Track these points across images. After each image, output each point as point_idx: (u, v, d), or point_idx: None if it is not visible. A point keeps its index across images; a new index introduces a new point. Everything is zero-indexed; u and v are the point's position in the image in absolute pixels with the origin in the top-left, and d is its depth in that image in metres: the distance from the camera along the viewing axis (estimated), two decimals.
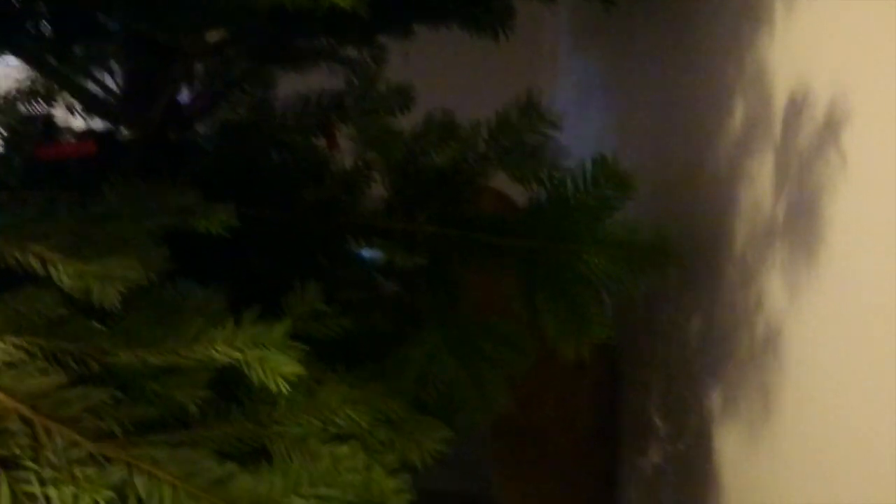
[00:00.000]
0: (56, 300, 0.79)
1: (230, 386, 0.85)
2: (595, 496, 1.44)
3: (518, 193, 1.00)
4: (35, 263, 0.78)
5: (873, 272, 0.70)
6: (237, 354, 0.79)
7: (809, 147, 0.77)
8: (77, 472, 0.69)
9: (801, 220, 0.79)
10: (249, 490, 0.72)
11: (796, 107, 0.80)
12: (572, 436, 1.39)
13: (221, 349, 0.79)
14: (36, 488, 0.66)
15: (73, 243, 0.81)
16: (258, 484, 0.73)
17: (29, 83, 1.20)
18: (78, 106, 1.18)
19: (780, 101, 0.83)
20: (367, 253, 1.07)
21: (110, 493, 0.68)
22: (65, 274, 0.78)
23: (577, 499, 1.43)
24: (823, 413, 0.78)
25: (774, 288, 0.83)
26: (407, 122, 1.07)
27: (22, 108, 1.19)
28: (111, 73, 1.13)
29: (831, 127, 0.74)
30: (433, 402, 0.98)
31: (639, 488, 1.31)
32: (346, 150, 1.05)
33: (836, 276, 0.75)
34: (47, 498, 0.68)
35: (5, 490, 0.66)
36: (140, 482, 0.69)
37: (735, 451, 0.95)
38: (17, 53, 1.04)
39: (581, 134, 1.41)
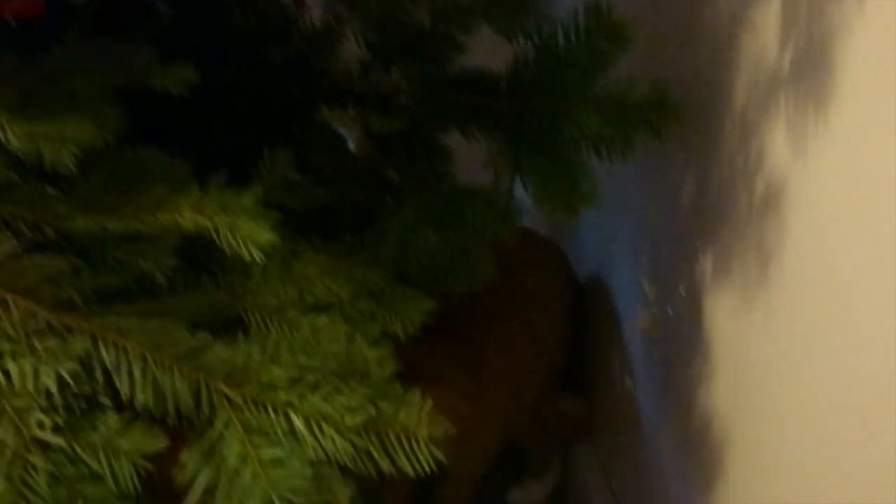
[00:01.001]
0: (5, 164, 0.73)
1: (200, 257, 0.81)
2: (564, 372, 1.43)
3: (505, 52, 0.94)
4: None
5: (886, 118, 0.66)
6: (205, 221, 0.74)
7: None
8: (37, 344, 0.65)
9: (810, 69, 0.75)
10: (225, 360, 0.69)
11: None
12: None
13: (188, 215, 0.74)
14: None
15: (21, 103, 0.75)
16: (234, 354, 0.70)
17: None
18: None
19: None
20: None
21: (73, 365, 0.64)
22: (13, 135, 0.72)
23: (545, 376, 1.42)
24: (825, 271, 0.75)
25: (778, 143, 0.79)
26: None
27: None
28: None
29: None
30: (415, 274, 0.95)
31: (624, 356, 1.30)
32: (314, 4, 0.98)
33: (847, 125, 0.71)
34: (6, 372, 0.64)
35: None
36: (105, 353, 0.65)
37: (728, 316, 0.93)
38: None
39: None
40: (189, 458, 0.67)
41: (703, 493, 1.02)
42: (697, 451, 1.03)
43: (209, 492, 0.66)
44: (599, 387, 1.45)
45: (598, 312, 1.43)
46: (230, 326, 0.75)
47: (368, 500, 0.75)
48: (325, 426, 0.70)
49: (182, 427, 0.68)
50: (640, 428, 1.24)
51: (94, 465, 0.64)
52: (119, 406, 0.66)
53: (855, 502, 0.74)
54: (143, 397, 0.65)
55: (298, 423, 0.69)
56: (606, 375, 1.39)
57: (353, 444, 0.71)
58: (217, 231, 0.74)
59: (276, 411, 0.69)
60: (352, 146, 1.06)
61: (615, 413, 1.36)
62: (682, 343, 1.05)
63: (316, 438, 0.69)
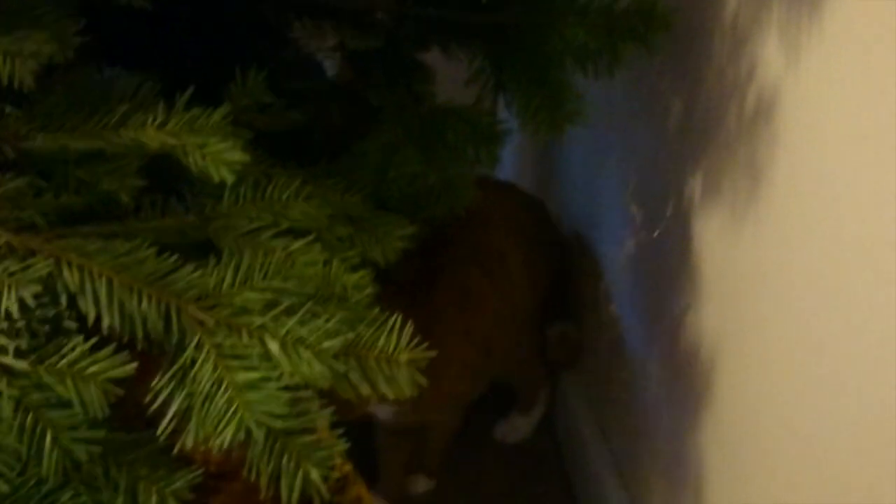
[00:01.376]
0: None
1: (168, 179, 0.78)
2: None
3: None
4: None
5: (882, 24, 0.63)
6: (172, 140, 0.71)
7: None
8: None
9: None
10: (196, 283, 0.67)
11: None
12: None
13: (153, 134, 0.71)
14: None
15: None
16: (205, 277, 0.68)
17: None
18: None
19: None
20: None
21: (36, 288, 0.62)
22: None
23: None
24: (818, 186, 0.73)
25: (770, 52, 0.76)
26: None
27: None
28: None
29: None
30: (394, 198, 0.92)
31: (610, 286, 1.28)
32: None
33: (842, 31, 0.68)
34: None
35: None
36: (69, 276, 0.63)
37: (717, 236, 0.91)
38: None
39: None
40: (161, 383, 0.65)
41: (691, 419, 1.01)
42: (685, 379, 1.02)
43: (183, 418, 0.65)
44: (586, 318, 1.44)
45: (584, 244, 1.41)
46: (201, 250, 0.73)
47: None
48: (301, 350, 0.68)
49: (153, 352, 0.66)
50: (627, 358, 1.23)
51: (61, 391, 0.61)
52: (85, 331, 0.64)
53: (844, 425, 0.73)
54: (109, 320, 0.63)
55: (274, 347, 0.67)
56: (593, 306, 1.38)
57: (332, 369, 0.69)
58: (185, 150, 0.71)
59: (249, 335, 0.67)
60: (328, 71, 1.03)
61: (602, 344, 1.35)
62: (669, 267, 1.03)
63: (292, 363, 0.67)
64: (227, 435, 0.63)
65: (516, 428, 1.55)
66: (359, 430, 1.30)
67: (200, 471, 0.67)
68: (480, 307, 1.27)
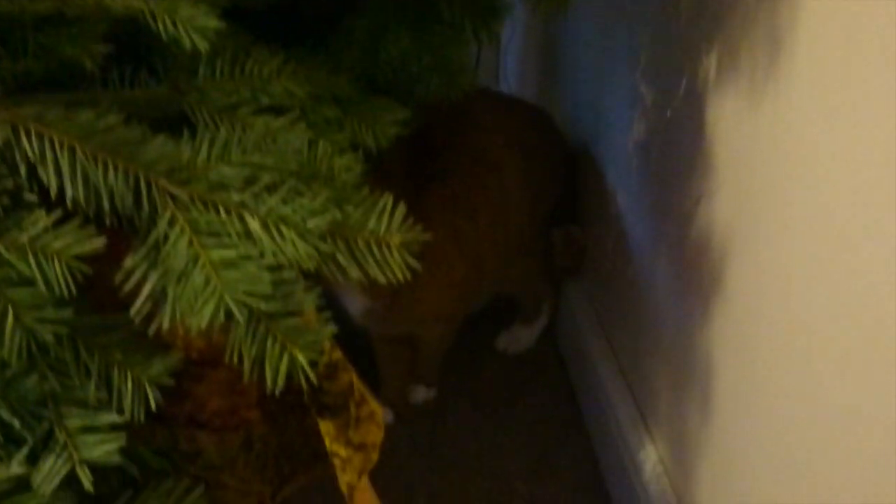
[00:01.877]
0: None
1: (139, 50, 0.73)
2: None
3: None
4: None
5: None
6: (137, 3, 0.65)
7: None
8: None
9: None
10: (167, 155, 0.62)
11: None
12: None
13: None
14: None
15: None
16: (178, 150, 0.63)
17: None
18: None
19: None
20: None
21: None
22: None
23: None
24: (844, 56, 0.67)
25: None
26: None
27: None
28: None
29: None
30: (385, 81, 0.87)
31: (616, 181, 1.24)
32: None
33: None
34: None
35: None
36: (28, 144, 0.58)
37: (732, 116, 0.85)
38: None
39: None
40: (133, 261, 0.61)
41: (700, 316, 0.97)
42: (694, 273, 0.98)
43: (158, 300, 0.60)
44: (591, 220, 1.39)
45: (588, 138, 1.36)
46: (174, 125, 0.68)
47: None
48: (284, 229, 0.64)
49: (123, 229, 0.62)
50: (633, 257, 1.19)
51: (23, 268, 0.57)
52: (49, 206, 0.60)
53: (865, 321, 0.69)
54: (72, 192, 0.58)
55: (254, 225, 0.62)
56: (598, 207, 1.33)
57: (318, 250, 0.65)
58: (153, 15, 0.65)
59: (228, 212, 0.62)
60: None
61: (608, 245, 1.31)
62: (680, 152, 0.98)
63: (275, 242, 0.63)
64: (205, 314, 0.59)
65: (518, 339, 1.52)
66: (364, 338, 1.29)
67: (180, 355, 0.64)
68: (472, 217, 1.23)
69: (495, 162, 1.27)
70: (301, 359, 0.63)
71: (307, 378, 0.70)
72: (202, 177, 0.63)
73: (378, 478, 1.26)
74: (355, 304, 1.18)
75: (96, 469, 0.63)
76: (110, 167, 0.60)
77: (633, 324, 1.22)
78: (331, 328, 0.64)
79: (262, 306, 0.60)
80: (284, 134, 0.71)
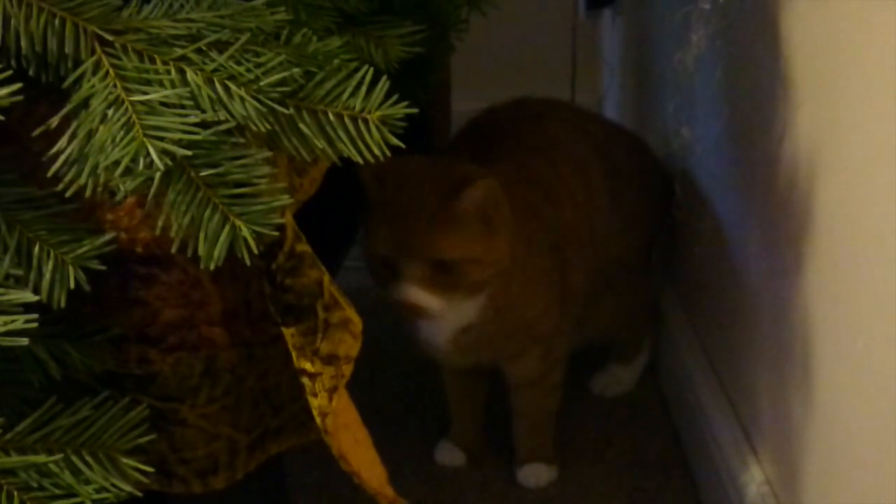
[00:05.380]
0: None
1: None
2: None
3: None
4: None
5: None
6: None
7: None
8: None
9: None
10: (104, 2, 0.57)
11: None
12: None
13: None
14: None
15: None
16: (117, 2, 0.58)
17: None
18: None
19: None
20: None
21: None
22: None
23: None
24: None
25: None
26: None
27: None
28: None
29: None
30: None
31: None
32: None
33: None
34: None
35: None
36: None
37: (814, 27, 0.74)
38: None
39: None
40: (54, 120, 0.55)
41: (795, 296, 0.83)
42: (787, 245, 0.85)
43: (79, 147, 0.54)
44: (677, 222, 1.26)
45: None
46: None
47: None
48: (232, 86, 0.57)
49: (47, 79, 0.56)
50: (723, 243, 1.06)
51: None
52: None
53: None
54: None
55: (196, 78, 0.56)
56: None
57: (274, 112, 0.58)
58: None
59: (165, 64, 0.56)
60: None
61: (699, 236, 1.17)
62: (757, 75, 0.86)
63: (219, 99, 0.56)
64: (123, 161, 0.52)
65: (618, 380, 1.37)
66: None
67: (111, 236, 0.57)
68: (551, 200, 1.13)
69: (581, 161, 1.18)
70: (245, 231, 0.55)
71: (270, 277, 0.62)
72: (141, 29, 0.57)
73: None
74: (443, 325, 1.07)
75: (11, 359, 0.56)
76: (34, 8, 0.55)
77: (728, 322, 1.08)
78: (287, 199, 0.56)
79: (189, 154, 0.53)
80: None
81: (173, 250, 0.56)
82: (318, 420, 0.60)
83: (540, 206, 1.13)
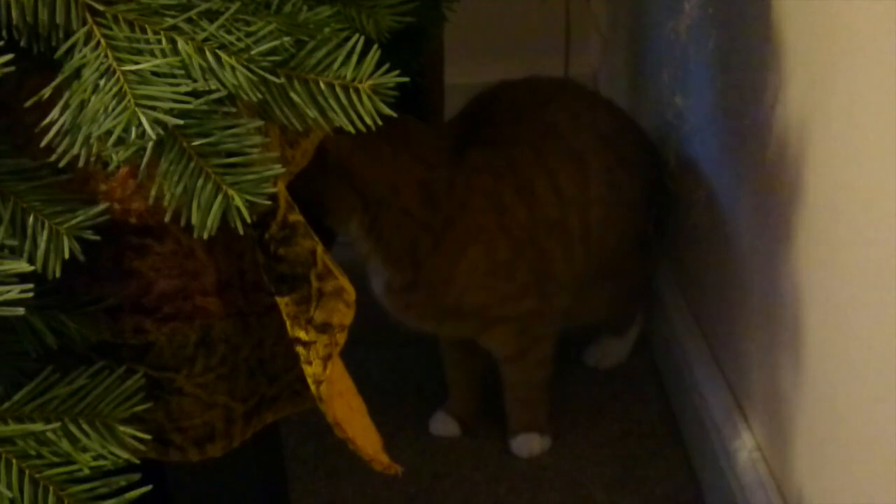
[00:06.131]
0: None
1: None
2: None
3: None
4: None
5: None
6: None
7: None
8: None
9: None
10: None
11: None
12: None
13: None
14: None
15: None
16: None
17: None
18: None
19: None
20: None
21: None
22: None
23: None
24: None
25: None
26: None
27: None
28: None
29: None
30: None
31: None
32: None
33: None
34: None
35: None
36: None
37: None
38: None
39: None
40: (46, 91, 0.56)
41: (784, 260, 0.84)
42: (777, 206, 0.86)
43: (72, 117, 0.55)
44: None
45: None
46: None
47: None
48: (223, 55, 0.57)
49: (38, 49, 0.57)
50: (715, 209, 1.07)
51: None
52: None
53: None
54: None
55: (187, 47, 0.57)
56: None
57: (266, 81, 0.58)
58: None
59: (157, 33, 0.57)
60: None
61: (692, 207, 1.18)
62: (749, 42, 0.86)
63: (210, 68, 0.57)
64: (115, 130, 0.53)
65: (611, 352, 1.38)
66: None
67: (104, 206, 0.57)
68: (524, 195, 1.13)
69: (577, 153, 1.18)
70: (238, 200, 0.55)
71: (263, 246, 0.62)
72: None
73: (436, 490, 1.15)
74: (378, 279, 1.10)
75: (7, 329, 0.57)
76: None
77: (719, 291, 1.09)
78: (280, 169, 0.57)
79: (181, 123, 0.53)
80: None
81: (166, 220, 0.56)
82: (312, 388, 0.61)
83: (505, 199, 1.13)
